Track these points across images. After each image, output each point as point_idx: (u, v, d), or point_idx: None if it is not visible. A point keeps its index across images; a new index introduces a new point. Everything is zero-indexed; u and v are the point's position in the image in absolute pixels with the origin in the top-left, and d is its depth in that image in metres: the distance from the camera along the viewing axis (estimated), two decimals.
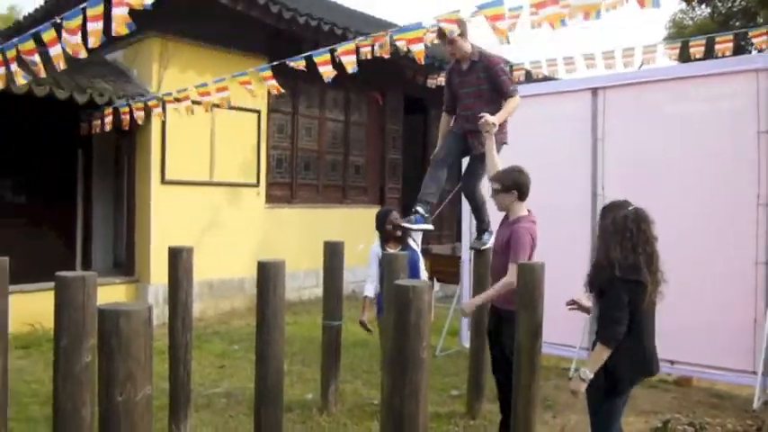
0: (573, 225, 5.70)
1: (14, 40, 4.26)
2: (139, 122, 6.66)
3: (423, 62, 5.31)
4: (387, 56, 5.38)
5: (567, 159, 5.87)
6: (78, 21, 3.46)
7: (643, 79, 5.72)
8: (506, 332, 3.53)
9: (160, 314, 7.54)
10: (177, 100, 6.17)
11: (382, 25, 10.89)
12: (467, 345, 5.67)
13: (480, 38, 4.82)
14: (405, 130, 10.91)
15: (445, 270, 7.19)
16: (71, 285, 2.41)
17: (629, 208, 2.89)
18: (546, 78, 10.15)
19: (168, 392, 3.91)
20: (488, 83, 4.01)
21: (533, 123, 6.05)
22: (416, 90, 9.88)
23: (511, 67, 5.31)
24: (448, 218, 10.60)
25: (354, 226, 8.30)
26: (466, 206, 6.65)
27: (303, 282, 8.90)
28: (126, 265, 7.88)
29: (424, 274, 4.61)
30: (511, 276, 3.49)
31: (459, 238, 11.01)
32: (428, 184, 4.13)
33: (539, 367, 3.16)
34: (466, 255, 6.62)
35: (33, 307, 6.90)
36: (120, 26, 3.22)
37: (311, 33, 7.92)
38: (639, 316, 2.81)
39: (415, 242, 4.63)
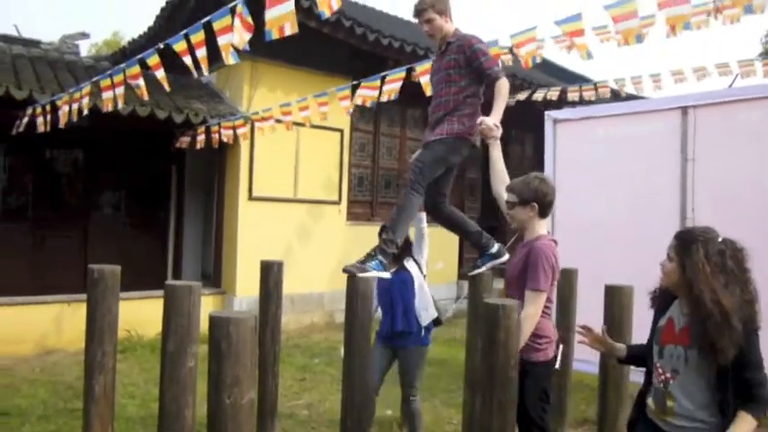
0: (660, 250, 5.52)
1: (122, 65, 4.59)
2: (228, 141, 6.99)
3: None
4: None
5: (655, 181, 5.70)
6: (183, 45, 3.71)
7: (737, 97, 5.50)
8: (530, 390, 2.86)
9: None
10: (264, 119, 6.45)
11: None
12: None
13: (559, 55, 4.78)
14: (483, 149, 10.87)
15: None
16: (179, 294, 2.57)
17: (719, 239, 2.22)
18: (631, 97, 9.94)
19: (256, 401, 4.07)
20: (460, 66, 3.28)
21: (619, 144, 5.96)
22: None
23: (509, 50, 4.59)
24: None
25: (432, 244, 8.30)
26: (548, 225, 6.60)
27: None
28: (213, 277, 8.23)
29: (422, 299, 4.13)
30: (530, 307, 2.81)
31: None
32: (403, 215, 3.26)
33: (626, 397, 3.09)
34: None
35: (129, 314, 7.29)
36: (227, 56, 3.43)
37: (393, 53, 8.08)
38: None
39: (416, 263, 4.23)
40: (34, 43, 9.94)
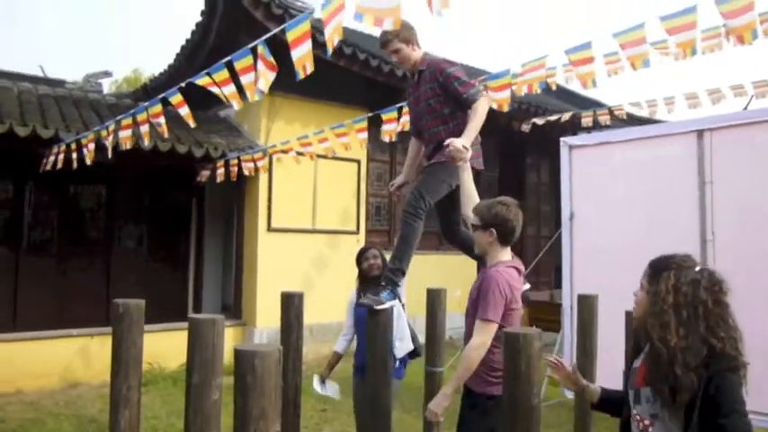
0: None
1: (145, 104, 4.72)
2: (249, 174, 7.11)
3: (505, 110, 5.38)
4: None
5: (674, 204, 5.70)
6: (206, 80, 3.82)
7: (753, 119, 5.51)
8: (475, 426, 2.76)
9: None
10: (283, 152, 6.57)
11: (473, 73, 11.10)
12: (570, 395, 5.52)
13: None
14: (500, 176, 10.93)
15: (544, 317, 7.07)
16: (203, 327, 2.61)
17: (696, 268, 1.94)
18: (645, 120, 9.95)
19: None
20: (438, 95, 3.27)
21: (636, 168, 5.97)
22: (511, 136, 9.92)
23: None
24: (545, 264, 10.41)
25: (449, 272, 8.32)
26: (567, 252, 6.59)
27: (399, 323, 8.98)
28: (234, 308, 8.29)
29: (398, 329, 3.89)
30: (477, 337, 2.69)
31: (558, 285, 10.81)
32: (409, 252, 3.29)
33: None
34: (567, 302, 6.50)
35: (151, 346, 7.32)
36: (252, 95, 3.52)
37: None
38: None
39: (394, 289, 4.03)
40: (59, 83, 10.25)
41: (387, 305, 3.17)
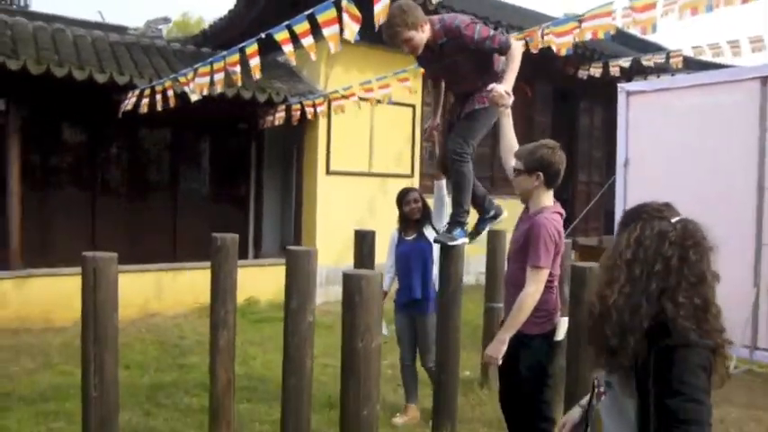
0: (737, 222, 5.56)
1: (224, 53, 4.96)
2: (311, 118, 7.36)
3: (564, 54, 5.43)
4: (535, 51, 5.62)
5: (733, 152, 5.73)
6: (285, 35, 4.04)
7: None
8: (524, 364, 2.83)
9: (323, 294, 8.31)
10: (344, 97, 6.78)
11: (530, 16, 10.97)
12: None
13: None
14: (553, 121, 10.94)
15: (594, 261, 7.25)
16: (300, 258, 2.95)
17: (672, 219, 1.64)
18: (708, 65, 9.74)
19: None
20: (470, 59, 3.28)
21: (695, 115, 5.99)
22: (566, 80, 9.88)
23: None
24: (594, 210, 10.50)
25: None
26: (620, 199, 6.71)
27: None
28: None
29: (435, 267, 4.11)
30: (531, 285, 2.73)
31: (607, 231, 10.91)
32: (464, 189, 3.49)
33: None
34: None
35: None
36: (335, 46, 3.73)
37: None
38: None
39: (434, 229, 4.21)
40: (122, 29, 10.60)
41: (459, 242, 3.56)
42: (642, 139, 6.47)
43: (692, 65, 9.67)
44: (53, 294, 7.01)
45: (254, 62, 4.50)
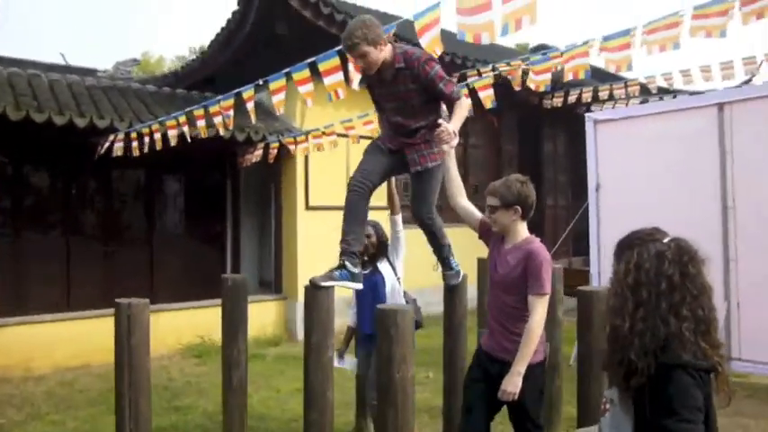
0: (702, 241, 5.86)
1: (218, 97, 5.09)
2: (293, 155, 7.49)
3: (542, 90, 5.77)
4: (518, 88, 5.93)
5: (695, 174, 6.08)
6: (282, 82, 4.19)
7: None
8: (530, 392, 2.84)
9: None
10: (324, 134, 6.95)
11: (491, 50, 11.39)
12: None
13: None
14: (520, 149, 11.32)
15: (574, 284, 7.51)
16: (319, 295, 3.05)
17: (665, 240, 1.78)
18: (661, 91, 10.27)
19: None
20: (420, 94, 3.18)
21: (658, 139, 6.34)
22: (529, 109, 10.28)
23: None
24: (561, 233, 10.84)
25: (474, 243, 8.77)
26: (594, 221, 7.02)
27: (430, 297, 9.43)
28: (275, 283, 8.74)
29: (395, 298, 4.14)
30: (538, 313, 2.81)
31: (575, 253, 11.27)
32: (350, 226, 3.29)
33: None
34: (595, 268, 6.94)
35: (200, 321, 7.87)
36: (335, 95, 3.90)
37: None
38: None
39: (391, 265, 4.25)
40: (91, 72, 10.58)
41: (459, 278, 3.72)
42: (611, 164, 6.80)
43: (647, 92, 10.18)
44: (31, 342, 6.87)
45: (250, 106, 4.64)
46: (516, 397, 2.80)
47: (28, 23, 36.32)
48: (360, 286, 3.36)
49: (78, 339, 7.08)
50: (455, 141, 2.96)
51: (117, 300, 2.65)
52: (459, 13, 2.76)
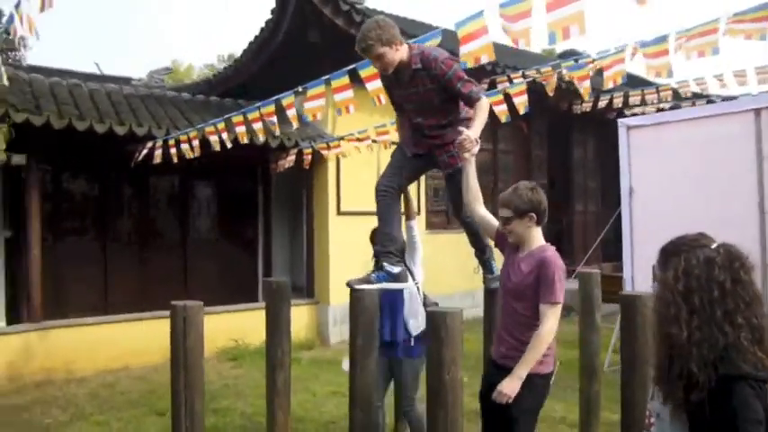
0: (740, 242, 5.78)
1: (258, 104, 5.20)
2: (327, 161, 7.61)
3: (586, 98, 5.79)
4: (552, 94, 5.95)
5: (731, 180, 6.03)
6: (321, 89, 4.28)
7: None
8: (524, 400, 2.76)
9: (338, 333, 8.43)
10: (359, 140, 7.04)
11: (529, 58, 11.40)
12: None
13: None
14: (549, 155, 11.29)
15: (607, 289, 7.47)
16: (363, 298, 3.11)
17: (712, 246, 1.70)
18: (694, 96, 10.17)
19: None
20: (439, 93, 3.18)
21: (692, 145, 6.30)
22: (559, 115, 10.26)
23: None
24: (591, 239, 10.79)
25: (460, 250, 8.78)
26: (627, 226, 6.99)
27: (460, 302, 9.47)
28: (307, 288, 8.84)
29: (411, 308, 3.97)
30: (549, 322, 2.73)
31: (605, 259, 11.18)
32: (383, 228, 3.37)
33: None
34: (628, 273, 6.91)
35: (234, 325, 8.00)
36: (377, 101, 3.96)
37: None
38: None
39: (407, 269, 4.01)
40: (125, 80, 10.83)
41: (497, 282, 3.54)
42: (644, 170, 6.78)
43: (679, 98, 10.10)
44: (74, 345, 7.05)
45: (291, 113, 4.74)
46: (511, 400, 2.73)
47: (62, 34, 37.21)
48: (403, 286, 3.40)
49: (118, 342, 7.25)
50: (476, 149, 2.95)
51: (172, 302, 2.74)
52: (504, 19, 2.81)
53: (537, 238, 2.94)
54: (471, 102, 3.13)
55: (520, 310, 2.86)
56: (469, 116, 3.22)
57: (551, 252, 2.88)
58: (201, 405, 2.77)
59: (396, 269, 3.31)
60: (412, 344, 3.97)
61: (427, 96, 3.19)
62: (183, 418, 2.64)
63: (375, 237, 4.12)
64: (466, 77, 3.11)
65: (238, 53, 9.54)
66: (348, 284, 3.17)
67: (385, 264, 3.30)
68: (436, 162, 3.42)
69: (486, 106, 3.15)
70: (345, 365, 4.43)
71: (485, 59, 3.13)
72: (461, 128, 2.96)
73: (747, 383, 1.53)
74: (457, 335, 2.42)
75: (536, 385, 2.81)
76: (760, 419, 1.51)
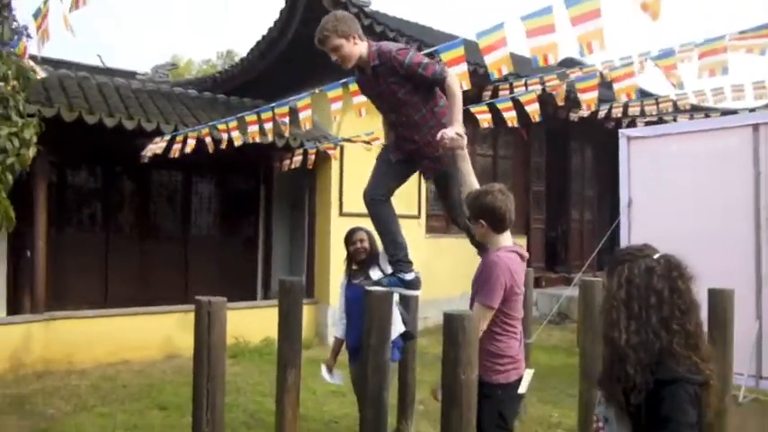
0: (735, 259, 5.93)
1: (272, 104, 5.29)
2: (331, 161, 7.69)
3: (593, 108, 5.90)
4: (562, 103, 6.06)
5: (730, 191, 6.16)
6: (338, 92, 4.37)
7: None
8: (486, 414, 2.73)
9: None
10: (366, 142, 7.13)
11: (533, 68, 11.51)
12: None
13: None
14: (548, 162, 11.42)
15: None
16: (379, 297, 3.20)
17: (655, 256, 1.81)
18: (693, 108, 10.32)
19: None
20: (402, 85, 3.05)
21: (692, 158, 6.43)
22: (557, 122, 10.39)
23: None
24: (587, 247, 10.93)
25: (459, 255, 8.87)
26: (625, 237, 7.10)
27: (459, 305, 9.54)
28: (306, 287, 8.90)
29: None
30: (476, 317, 2.59)
31: (600, 267, 11.31)
32: (387, 239, 3.42)
33: None
34: None
35: (234, 323, 8.03)
36: None
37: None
38: None
39: (381, 270, 3.98)
40: (130, 74, 10.87)
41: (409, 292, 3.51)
42: (643, 181, 6.89)
43: (677, 109, 10.24)
44: (75, 337, 7.09)
45: (305, 115, 4.82)
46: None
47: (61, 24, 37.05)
48: (415, 293, 3.46)
49: (117, 336, 7.30)
50: (464, 141, 2.87)
51: (197, 297, 2.82)
52: (527, 34, 2.90)
53: (496, 241, 2.85)
54: (438, 83, 3.02)
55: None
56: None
57: (497, 253, 2.79)
58: (222, 399, 2.84)
59: (408, 276, 3.35)
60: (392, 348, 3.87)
61: (391, 91, 3.09)
62: (204, 411, 2.71)
63: (349, 238, 4.28)
64: (425, 60, 3.02)
65: (237, 49, 9.76)
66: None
67: (398, 271, 3.34)
68: (410, 172, 3.43)
69: (455, 85, 2.99)
70: (325, 373, 4.44)
71: (504, 70, 3.21)
72: (441, 131, 2.85)
73: (682, 387, 1.63)
74: (473, 336, 2.51)
75: (496, 397, 2.78)
76: (692, 423, 1.61)
